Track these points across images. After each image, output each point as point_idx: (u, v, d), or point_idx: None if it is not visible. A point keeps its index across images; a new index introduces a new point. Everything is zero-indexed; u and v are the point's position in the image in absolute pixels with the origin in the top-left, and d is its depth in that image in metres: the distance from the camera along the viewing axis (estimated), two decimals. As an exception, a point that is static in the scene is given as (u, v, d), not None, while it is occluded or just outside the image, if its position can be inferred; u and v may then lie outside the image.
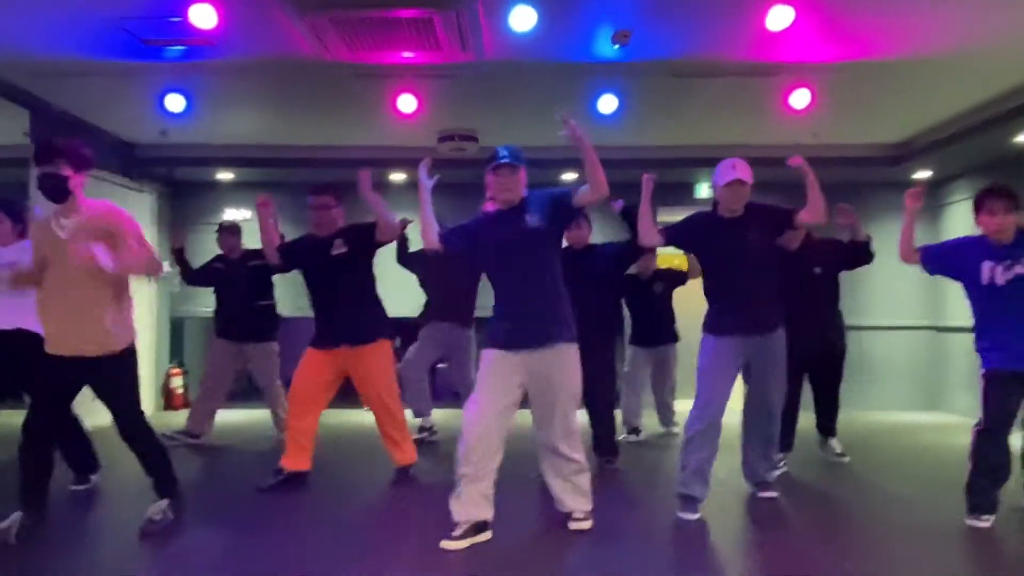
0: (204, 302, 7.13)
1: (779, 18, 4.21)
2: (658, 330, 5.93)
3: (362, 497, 4.42)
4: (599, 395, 4.83)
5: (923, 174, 7.83)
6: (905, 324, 8.08)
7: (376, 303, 4.69)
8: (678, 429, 6.23)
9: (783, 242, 4.12)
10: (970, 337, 3.93)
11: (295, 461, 4.51)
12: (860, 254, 5.10)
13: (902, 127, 6.80)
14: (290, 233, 8.25)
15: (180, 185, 8.17)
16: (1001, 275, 3.72)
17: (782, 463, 4.97)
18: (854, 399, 8.12)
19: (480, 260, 3.71)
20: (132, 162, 7.35)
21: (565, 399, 3.48)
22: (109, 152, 7.02)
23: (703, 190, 8.24)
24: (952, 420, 7.25)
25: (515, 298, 3.48)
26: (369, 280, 4.70)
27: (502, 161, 3.52)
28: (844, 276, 5.33)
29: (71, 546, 3.47)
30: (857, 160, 7.41)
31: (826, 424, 5.33)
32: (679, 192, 8.30)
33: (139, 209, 7.67)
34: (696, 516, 3.82)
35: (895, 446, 6.08)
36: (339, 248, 4.50)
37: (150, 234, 7.85)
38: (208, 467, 5.41)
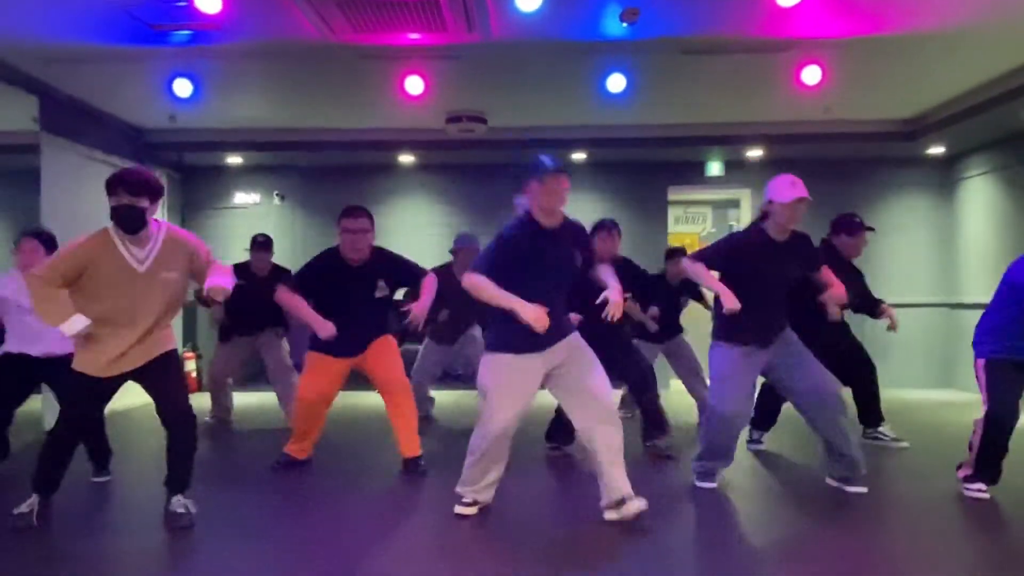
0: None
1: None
2: (666, 325, 5.85)
3: (372, 484, 4.45)
4: (636, 382, 4.86)
5: (936, 149, 7.73)
6: (920, 301, 8.02)
7: (387, 306, 4.58)
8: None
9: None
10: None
11: (300, 451, 4.60)
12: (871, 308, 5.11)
13: (915, 102, 6.70)
14: (300, 215, 8.40)
15: (190, 169, 8.20)
16: None
17: (762, 440, 5.07)
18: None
19: (514, 268, 3.40)
20: (141, 147, 7.37)
21: (592, 359, 3.53)
22: (118, 138, 7.05)
23: (714, 168, 8.19)
24: (966, 397, 7.21)
25: (547, 302, 3.36)
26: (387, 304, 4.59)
27: (554, 168, 3.36)
28: (858, 257, 5.19)
29: (94, 526, 3.54)
30: (870, 135, 7.33)
31: (864, 416, 5.25)
32: (690, 171, 8.26)
33: (150, 194, 7.71)
34: (714, 484, 4.05)
35: (913, 423, 6.03)
36: (382, 291, 4.40)
37: (161, 218, 7.88)
38: (223, 448, 5.47)
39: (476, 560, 3.10)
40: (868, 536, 3.34)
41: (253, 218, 8.37)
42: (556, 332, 3.41)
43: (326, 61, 5.38)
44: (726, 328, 3.90)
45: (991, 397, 3.77)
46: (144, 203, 3.33)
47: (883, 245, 8.18)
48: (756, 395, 4.18)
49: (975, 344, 3.91)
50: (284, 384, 5.98)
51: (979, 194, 7.66)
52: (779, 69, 5.49)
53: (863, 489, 3.93)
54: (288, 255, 7.53)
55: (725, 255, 3.89)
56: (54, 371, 4.12)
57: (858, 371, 5.16)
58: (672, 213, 8.80)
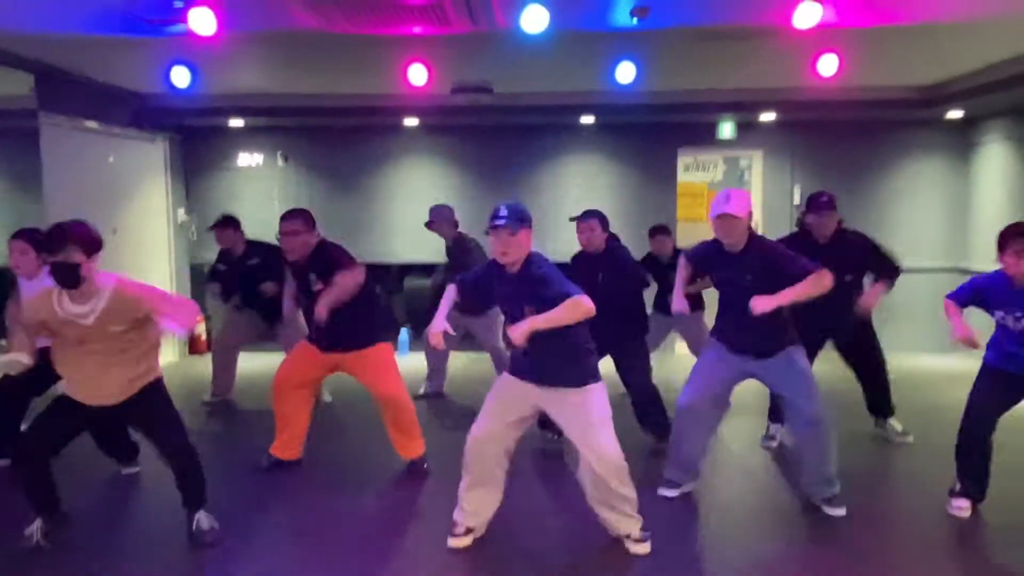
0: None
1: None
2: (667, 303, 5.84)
3: (374, 486, 4.55)
4: (635, 381, 4.87)
5: (955, 114, 7.52)
6: (929, 266, 7.96)
7: (370, 310, 4.55)
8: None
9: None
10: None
11: (284, 450, 4.59)
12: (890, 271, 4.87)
13: (935, 71, 6.48)
14: (304, 176, 8.29)
15: (190, 131, 8.05)
16: (1013, 323, 3.67)
17: (775, 436, 5.07)
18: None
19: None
20: (141, 112, 7.23)
21: (592, 421, 3.40)
22: (117, 104, 6.92)
23: (725, 131, 8.00)
24: (969, 365, 7.22)
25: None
26: (360, 290, 4.44)
27: (498, 223, 3.27)
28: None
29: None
30: (889, 102, 7.12)
31: (872, 405, 5.22)
32: (701, 133, 8.09)
33: (151, 158, 7.63)
34: (674, 493, 4.14)
35: (916, 405, 6.08)
36: (316, 285, 4.37)
37: (162, 182, 7.83)
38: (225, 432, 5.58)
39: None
40: (857, 551, 3.43)
41: (257, 180, 8.29)
42: (538, 373, 3.39)
43: (326, 45, 5.22)
44: (716, 323, 4.10)
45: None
46: (78, 258, 3.23)
47: (896, 208, 8.07)
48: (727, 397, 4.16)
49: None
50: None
51: (996, 160, 7.49)
52: (795, 49, 5.30)
53: (842, 511, 3.91)
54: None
55: (692, 259, 4.21)
56: None
57: (868, 362, 5.11)
58: (682, 161, 8.60)
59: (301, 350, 4.54)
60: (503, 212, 3.29)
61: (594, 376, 3.40)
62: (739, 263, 3.80)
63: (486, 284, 3.50)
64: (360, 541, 3.70)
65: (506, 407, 3.49)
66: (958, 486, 3.94)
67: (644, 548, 3.47)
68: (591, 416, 3.34)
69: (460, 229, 6.08)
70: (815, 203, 4.69)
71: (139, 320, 3.40)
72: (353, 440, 5.36)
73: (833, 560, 3.48)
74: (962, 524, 3.84)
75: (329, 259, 4.43)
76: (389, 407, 4.46)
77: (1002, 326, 3.75)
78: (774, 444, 5.06)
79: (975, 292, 3.84)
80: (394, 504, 4.21)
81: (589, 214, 4.73)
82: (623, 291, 4.71)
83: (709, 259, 4.01)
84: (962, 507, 3.91)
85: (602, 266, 4.65)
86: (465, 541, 3.56)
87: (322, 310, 4.16)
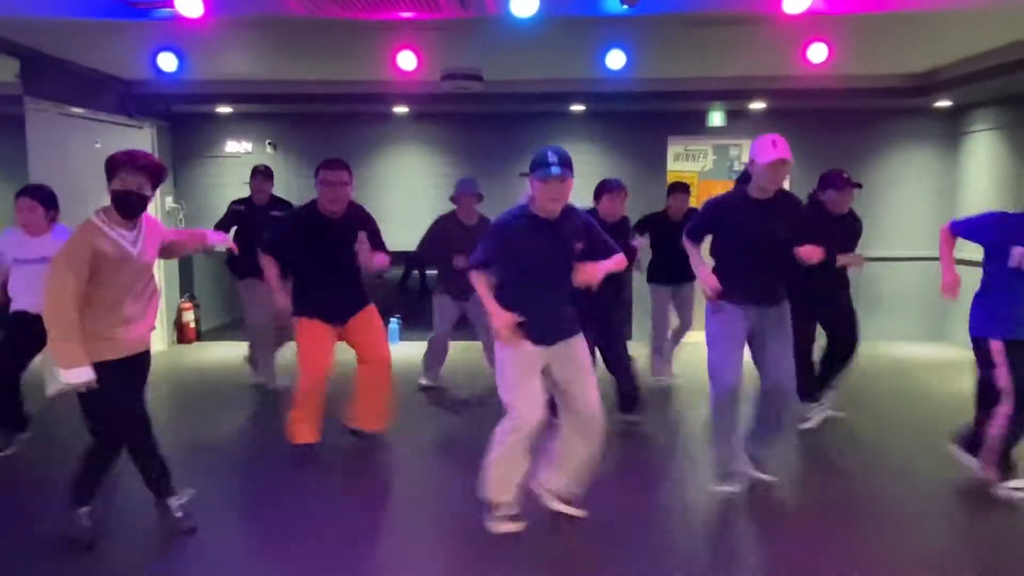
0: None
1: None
2: (681, 267, 5.82)
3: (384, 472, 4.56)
4: (616, 355, 4.92)
5: (944, 103, 7.55)
6: (916, 255, 8.00)
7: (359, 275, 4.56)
8: (669, 383, 6.34)
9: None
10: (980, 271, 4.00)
11: (310, 434, 4.49)
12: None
13: (924, 60, 6.49)
14: (293, 164, 8.24)
15: (178, 118, 7.98)
16: None
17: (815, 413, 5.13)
18: (862, 330, 8.20)
19: (510, 263, 3.42)
20: (128, 99, 7.16)
21: (586, 368, 3.53)
22: (104, 90, 6.85)
23: (715, 119, 8.01)
24: (955, 353, 7.31)
25: (534, 301, 3.38)
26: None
27: (553, 172, 3.19)
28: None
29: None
30: (878, 91, 7.13)
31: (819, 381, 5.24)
32: (691, 121, 8.09)
33: (139, 145, 7.52)
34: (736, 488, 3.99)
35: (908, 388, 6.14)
36: (362, 243, 4.31)
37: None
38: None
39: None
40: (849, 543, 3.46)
41: (245, 167, 8.12)
42: (554, 330, 3.42)
43: (315, 32, 5.18)
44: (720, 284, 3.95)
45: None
46: (148, 191, 3.32)
47: (884, 196, 8.10)
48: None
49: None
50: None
51: (983, 149, 7.52)
52: (785, 37, 5.30)
53: (773, 477, 4.07)
54: (282, 209, 7.43)
55: (707, 218, 3.99)
56: None
57: (840, 339, 5.13)
58: (672, 151, 8.64)
59: (311, 331, 4.36)
60: (554, 159, 3.18)
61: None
62: (770, 212, 3.80)
63: (505, 248, 3.36)
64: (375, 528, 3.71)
65: (534, 376, 3.42)
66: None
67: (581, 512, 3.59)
68: (588, 363, 3.52)
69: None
70: (838, 179, 4.90)
71: (163, 249, 3.57)
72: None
73: (829, 553, 3.51)
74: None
75: (373, 223, 4.50)
76: (378, 368, 4.46)
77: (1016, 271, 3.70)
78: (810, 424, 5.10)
79: (989, 226, 3.79)
80: (419, 490, 4.21)
81: (611, 183, 4.94)
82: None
83: (730, 214, 3.88)
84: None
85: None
86: (514, 526, 3.52)
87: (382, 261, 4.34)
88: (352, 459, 4.61)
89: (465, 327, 6.08)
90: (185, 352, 7.76)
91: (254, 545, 3.57)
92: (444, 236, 5.73)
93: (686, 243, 4.11)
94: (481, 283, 3.41)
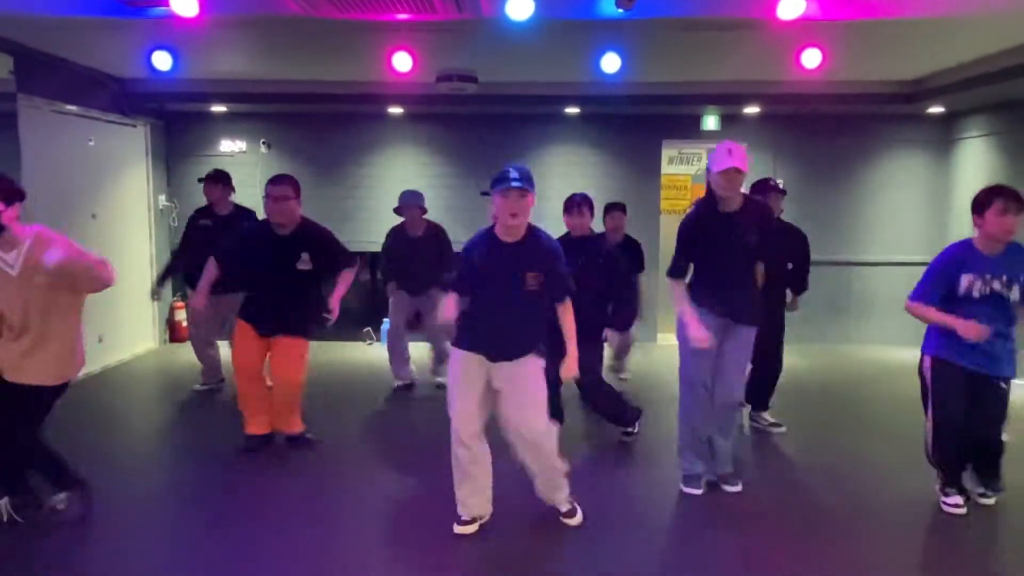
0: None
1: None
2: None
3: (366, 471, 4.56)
4: (588, 382, 4.79)
5: (936, 109, 7.59)
6: (907, 260, 8.04)
7: (312, 301, 4.63)
8: (625, 376, 6.53)
9: None
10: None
11: (256, 426, 4.69)
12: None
13: (917, 66, 6.53)
14: (287, 164, 8.22)
15: (173, 116, 7.98)
16: (978, 288, 3.67)
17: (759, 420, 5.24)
18: (851, 334, 8.26)
19: (474, 281, 3.47)
20: (122, 98, 7.15)
21: (528, 394, 3.49)
22: (98, 88, 6.84)
23: (709, 123, 8.04)
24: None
25: (487, 315, 3.42)
26: (313, 281, 4.60)
27: (513, 185, 3.19)
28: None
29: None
30: (870, 96, 7.17)
31: (755, 398, 5.28)
32: (685, 125, 8.11)
33: (132, 144, 7.56)
34: (699, 491, 4.07)
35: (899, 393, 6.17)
36: (304, 264, 4.44)
37: (145, 167, 7.76)
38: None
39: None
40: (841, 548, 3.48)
41: (239, 166, 8.18)
42: (500, 347, 3.42)
43: (310, 31, 5.17)
44: (692, 291, 3.96)
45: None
46: None
47: (876, 201, 8.15)
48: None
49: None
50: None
51: (975, 155, 7.57)
52: (779, 43, 5.33)
53: (738, 487, 4.09)
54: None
55: (683, 244, 3.96)
56: None
57: (768, 357, 5.09)
58: (666, 154, 8.67)
59: (242, 334, 4.58)
60: (514, 174, 3.20)
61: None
62: (737, 224, 3.80)
63: (470, 269, 3.43)
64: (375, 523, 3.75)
65: (475, 385, 3.46)
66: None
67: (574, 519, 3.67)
68: (533, 386, 3.47)
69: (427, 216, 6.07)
70: (766, 185, 4.99)
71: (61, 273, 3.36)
72: (352, 424, 5.35)
73: (827, 553, 3.52)
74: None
75: (324, 241, 4.54)
76: (285, 387, 4.59)
77: (964, 297, 3.68)
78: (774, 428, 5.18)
79: (945, 273, 3.72)
80: (424, 491, 4.20)
81: (575, 199, 4.74)
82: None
83: (702, 224, 3.88)
84: (958, 504, 3.88)
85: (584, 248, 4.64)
86: (470, 528, 3.58)
87: (335, 305, 4.46)
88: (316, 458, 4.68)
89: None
90: (177, 351, 7.74)
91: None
92: (393, 245, 6.06)
93: (671, 283, 3.99)
94: (450, 304, 3.45)
